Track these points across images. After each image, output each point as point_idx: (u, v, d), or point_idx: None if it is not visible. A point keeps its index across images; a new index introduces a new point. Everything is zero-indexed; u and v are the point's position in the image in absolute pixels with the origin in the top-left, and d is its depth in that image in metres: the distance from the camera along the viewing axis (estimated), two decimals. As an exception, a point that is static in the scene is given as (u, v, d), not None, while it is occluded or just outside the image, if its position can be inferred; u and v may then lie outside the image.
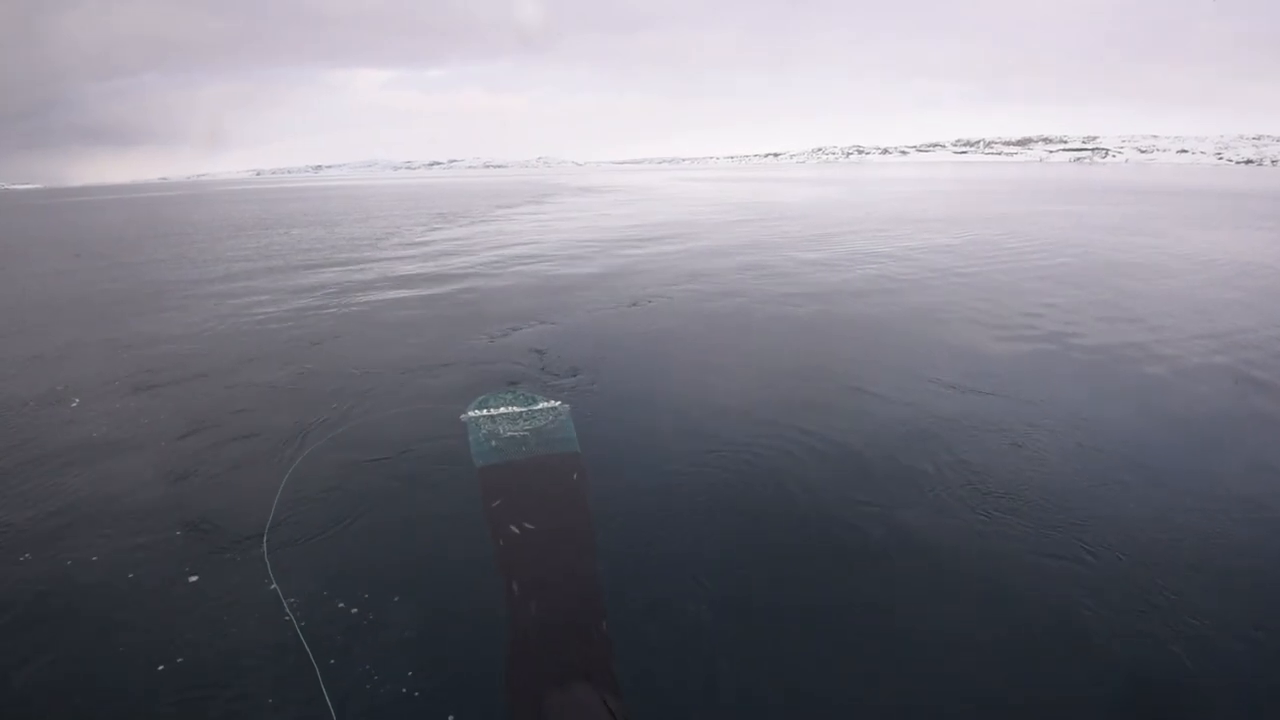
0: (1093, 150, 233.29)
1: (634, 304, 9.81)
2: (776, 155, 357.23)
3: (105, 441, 5.29)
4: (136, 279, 13.59)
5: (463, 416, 4.23)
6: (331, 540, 3.77)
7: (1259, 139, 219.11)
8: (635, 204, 33.79)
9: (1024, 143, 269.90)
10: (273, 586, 3.32)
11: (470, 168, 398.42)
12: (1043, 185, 49.97)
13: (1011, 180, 60.17)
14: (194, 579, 3.45)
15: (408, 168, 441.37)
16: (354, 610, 3.16)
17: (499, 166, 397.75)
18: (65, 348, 8.20)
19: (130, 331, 8.99)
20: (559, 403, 4.45)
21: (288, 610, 3.10)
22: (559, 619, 2.51)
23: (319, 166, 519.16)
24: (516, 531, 2.96)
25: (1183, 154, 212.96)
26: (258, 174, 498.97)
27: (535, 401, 4.62)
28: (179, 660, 2.90)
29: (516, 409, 4.49)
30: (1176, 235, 17.45)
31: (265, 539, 3.64)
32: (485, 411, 4.39)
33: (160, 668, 2.87)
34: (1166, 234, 17.78)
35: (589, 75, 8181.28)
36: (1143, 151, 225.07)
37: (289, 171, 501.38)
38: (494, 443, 4.01)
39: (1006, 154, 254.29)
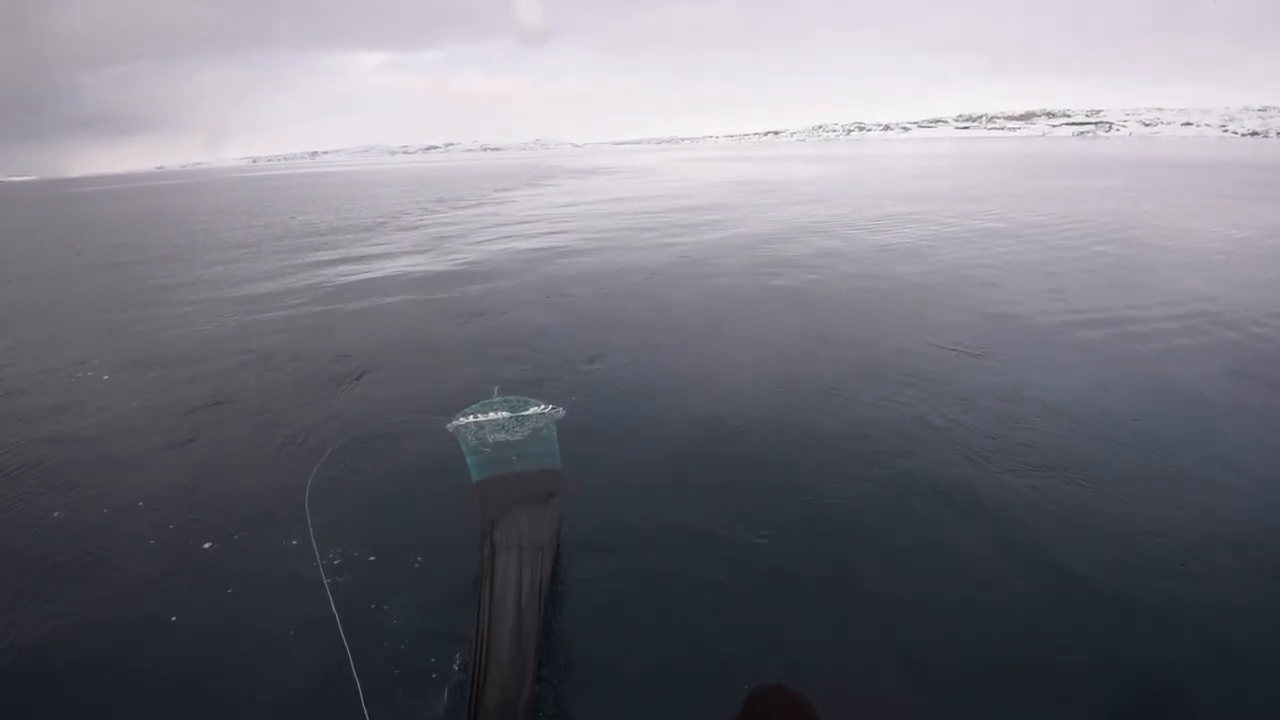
0: (1096, 124, 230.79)
1: (646, 281, 9.87)
2: (776, 133, 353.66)
3: (123, 426, 5.44)
4: (139, 274, 13.68)
5: (449, 426, 4.18)
6: (355, 516, 3.90)
7: (1264, 110, 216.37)
8: (641, 190, 33.65)
9: (1027, 117, 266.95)
10: (295, 541, 3.45)
11: (467, 151, 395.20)
12: (1046, 160, 49.55)
13: (1015, 155, 59.65)
14: (208, 545, 3.58)
15: (404, 152, 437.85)
16: (372, 568, 3.30)
17: (496, 149, 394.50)
18: (79, 339, 8.31)
19: (134, 325, 9.10)
20: (549, 407, 4.35)
21: (319, 563, 3.22)
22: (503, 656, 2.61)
23: (315, 152, 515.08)
24: (501, 557, 3.01)
25: (1187, 127, 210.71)
26: (254, 161, 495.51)
27: (525, 406, 4.48)
28: (197, 612, 3.03)
29: (505, 415, 4.36)
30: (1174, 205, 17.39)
31: (307, 500, 3.71)
32: (473, 419, 4.29)
33: (173, 618, 3.01)
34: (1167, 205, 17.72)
35: (586, 57, 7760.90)
36: (1146, 125, 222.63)
37: (285, 158, 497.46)
38: (486, 450, 3.95)
39: (1009, 129, 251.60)
